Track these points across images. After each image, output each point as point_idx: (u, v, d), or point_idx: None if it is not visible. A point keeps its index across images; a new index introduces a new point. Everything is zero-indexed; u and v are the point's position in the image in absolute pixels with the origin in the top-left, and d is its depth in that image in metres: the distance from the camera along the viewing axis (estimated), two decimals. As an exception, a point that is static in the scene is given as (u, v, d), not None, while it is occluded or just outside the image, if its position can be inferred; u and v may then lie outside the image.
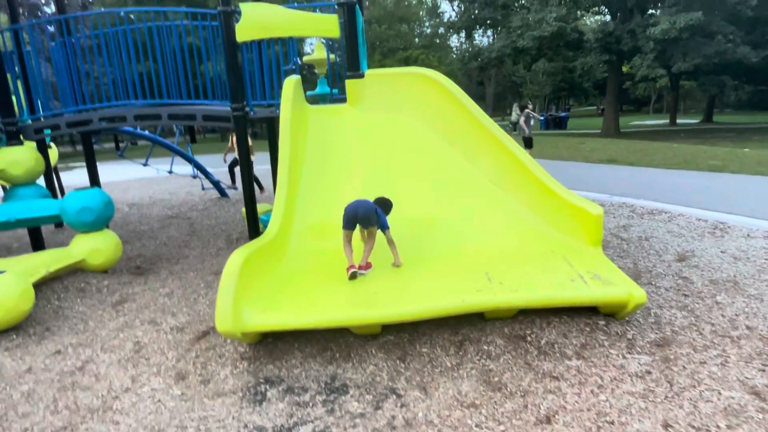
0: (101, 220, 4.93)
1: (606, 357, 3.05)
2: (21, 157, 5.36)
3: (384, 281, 3.64)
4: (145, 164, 8.99)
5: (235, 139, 8.50)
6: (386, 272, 3.80)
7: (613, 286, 3.22)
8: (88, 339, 3.86)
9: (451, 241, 4.17)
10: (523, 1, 28.40)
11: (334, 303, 3.38)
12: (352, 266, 3.68)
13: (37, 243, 5.72)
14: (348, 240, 3.82)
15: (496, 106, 77.72)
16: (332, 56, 6.59)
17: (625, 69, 27.08)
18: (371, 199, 3.96)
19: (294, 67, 5.41)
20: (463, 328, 3.49)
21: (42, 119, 5.88)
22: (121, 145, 14.19)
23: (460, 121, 4.76)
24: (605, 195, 7.55)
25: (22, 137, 5.63)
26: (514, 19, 25.03)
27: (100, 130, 7.45)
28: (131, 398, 3.08)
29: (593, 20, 23.11)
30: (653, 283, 4.22)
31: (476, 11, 28.90)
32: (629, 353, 3.09)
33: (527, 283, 3.37)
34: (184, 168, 10.62)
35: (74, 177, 15.58)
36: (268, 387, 3.11)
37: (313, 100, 7.22)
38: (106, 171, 9.81)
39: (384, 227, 3.87)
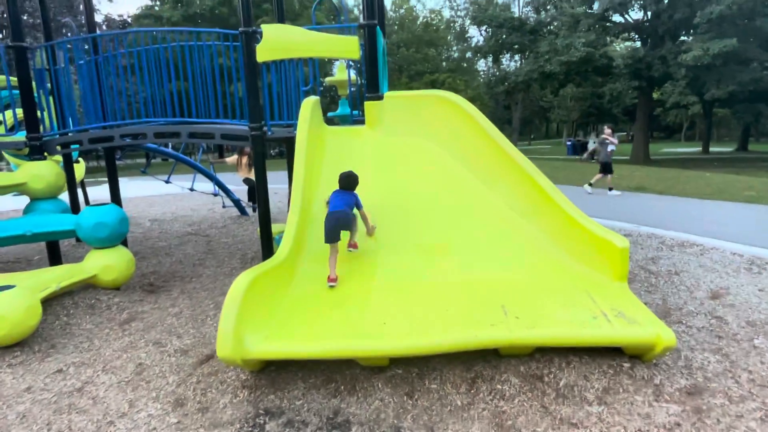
0: (115, 236, 4.92)
1: (630, 404, 2.81)
2: (43, 172, 5.43)
3: (393, 310, 3.47)
4: (167, 181, 9.07)
5: (243, 159, 8.55)
6: (396, 300, 3.63)
7: (640, 326, 2.99)
8: (91, 358, 3.78)
9: (466, 269, 3.99)
10: (551, 27, 28.36)
11: (340, 332, 3.22)
12: (333, 279, 3.86)
13: (55, 257, 5.74)
14: (334, 252, 3.91)
15: (523, 130, 77.38)
16: (354, 77, 6.55)
17: (655, 95, 26.62)
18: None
19: (311, 87, 5.36)
20: (476, 363, 3.28)
21: (68, 134, 5.97)
22: (155, 161, 14.43)
23: (479, 144, 4.61)
24: (632, 225, 7.24)
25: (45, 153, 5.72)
26: (542, 44, 24.95)
27: (123, 147, 7.57)
28: (126, 424, 2.97)
29: (623, 46, 22.74)
30: (684, 321, 3.95)
31: (504, 36, 28.93)
32: (656, 401, 2.83)
33: (545, 319, 3.16)
34: (207, 185, 10.70)
35: (102, 192, 15.92)
36: (267, 419, 2.96)
37: (335, 121, 7.21)
38: (135, 186, 10.00)
39: (359, 207, 4.17)
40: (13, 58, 5.46)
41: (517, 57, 39.04)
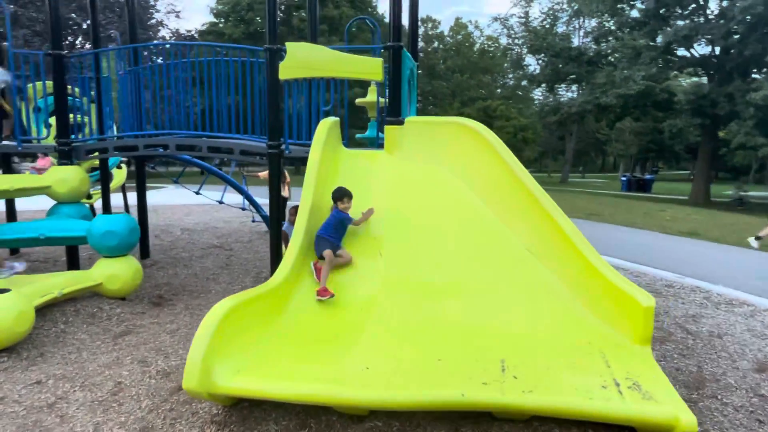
0: (124, 245, 4.89)
1: (636, 498, 2.38)
2: (68, 176, 5.52)
3: (382, 353, 3.18)
4: (197, 192, 9.17)
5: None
6: (388, 342, 3.34)
7: (656, 403, 2.56)
8: (73, 372, 3.68)
9: (470, 313, 3.64)
10: (611, 59, 27.47)
11: (319, 374, 2.96)
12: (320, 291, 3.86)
13: (73, 262, 5.80)
14: (327, 264, 3.96)
15: (577, 162, 75.06)
16: (383, 100, 6.37)
17: (721, 134, 25.10)
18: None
19: (332, 107, 5.22)
20: (465, 425, 2.93)
21: (96, 141, 6.09)
22: (189, 170, 14.77)
23: (499, 177, 4.29)
24: (676, 275, 6.60)
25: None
26: (599, 75, 24.12)
27: (153, 156, 7.69)
28: (84, 451, 2.81)
29: (688, 82, 21.57)
30: (719, 397, 3.42)
31: (560, 65, 28.26)
32: (669, 498, 2.39)
33: (547, 383, 2.78)
34: (237, 198, 10.74)
35: (132, 197, 16.48)
36: (227, 462, 2.72)
37: (364, 144, 7.04)
38: (177, 194, 10.19)
39: (347, 222, 4.23)
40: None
41: (574, 87, 38.12)
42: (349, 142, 6.27)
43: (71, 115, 6.39)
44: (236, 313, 3.17)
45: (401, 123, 4.90)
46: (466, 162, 4.55)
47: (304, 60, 4.93)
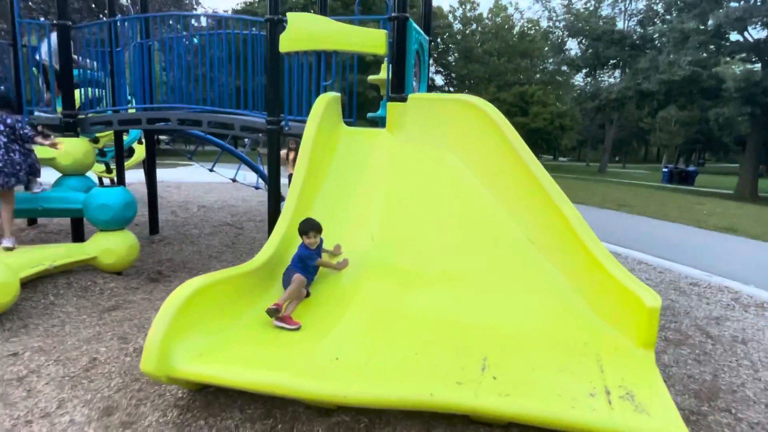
0: (118, 219, 4.82)
1: None
2: (71, 149, 5.48)
3: (356, 344, 2.97)
4: (211, 170, 9.12)
5: (291, 154, 8.31)
6: (366, 332, 3.12)
7: (647, 416, 2.25)
8: (51, 345, 3.63)
9: (459, 306, 3.38)
10: (656, 43, 26.02)
11: (284, 362, 2.77)
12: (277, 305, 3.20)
13: (78, 234, 5.80)
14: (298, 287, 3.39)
15: (618, 151, 72.32)
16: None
17: (774, 125, 23.48)
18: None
19: (332, 83, 4.96)
20: (437, 425, 2.70)
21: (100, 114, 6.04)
22: (210, 149, 14.80)
23: (504, 160, 3.96)
24: (704, 272, 6.10)
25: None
26: (642, 59, 22.88)
27: (172, 131, 7.62)
28: (41, 428, 2.73)
29: (739, 68, 20.11)
30: (733, 410, 3.07)
31: (601, 49, 26.98)
32: None
33: (529, 386, 2.50)
34: (252, 177, 10.63)
35: (165, 174, 16.72)
36: (183, 450, 2.58)
37: (375, 123, 6.77)
38: (202, 172, 10.20)
39: (311, 262, 3.58)
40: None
41: (617, 73, 36.46)
42: (359, 120, 6.03)
43: (89, 89, 6.40)
44: (206, 293, 3.01)
45: (404, 100, 4.61)
46: (470, 142, 4.23)
47: (305, 32, 4.69)
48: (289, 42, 4.73)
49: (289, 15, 4.70)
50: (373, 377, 2.59)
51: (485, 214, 3.93)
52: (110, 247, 4.80)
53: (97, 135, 8.75)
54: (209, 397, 2.99)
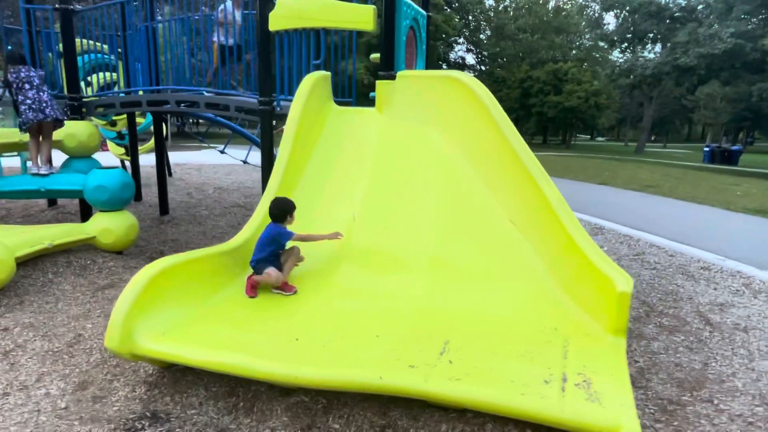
0: (115, 200, 4.93)
1: None
2: (77, 131, 5.63)
3: (318, 325, 2.96)
4: (222, 151, 9.22)
5: None
6: (331, 313, 3.11)
7: (599, 405, 2.15)
8: (42, 321, 3.76)
9: (431, 289, 3.31)
10: (698, 14, 24.61)
11: (244, 342, 2.79)
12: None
13: (86, 214, 5.97)
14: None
15: (660, 130, 69.32)
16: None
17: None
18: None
19: (322, 62, 4.88)
20: (394, 408, 2.66)
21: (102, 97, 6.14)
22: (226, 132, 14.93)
23: (489, 138, 3.82)
24: (718, 256, 5.79)
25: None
26: (680, 33, 21.70)
27: (182, 114, 7.70)
28: (19, 399, 2.84)
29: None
30: (715, 401, 2.91)
31: (637, 23, 25.72)
32: None
33: (483, 371, 2.44)
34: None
35: (185, 156, 17.02)
36: (146, 425, 2.64)
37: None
38: (226, 155, 10.39)
39: (285, 239, 3.46)
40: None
41: (657, 48, 34.73)
42: (359, 99, 5.95)
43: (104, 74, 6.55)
44: (175, 272, 3.06)
45: (393, 77, 4.49)
46: (457, 121, 4.10)
47: (293, 9, 4.61)
48: (278, 20, 4.67)
49: (279, -7, 4.63)
50: (327, 359, 2.58)
51: (468, 195, 3.81)
52: (109, 227, 4.92)
53: (114, 118, 8.98)
54: (177, 374, 3.04)
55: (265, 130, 5.03)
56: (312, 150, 4.36)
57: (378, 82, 4.55)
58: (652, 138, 60.71)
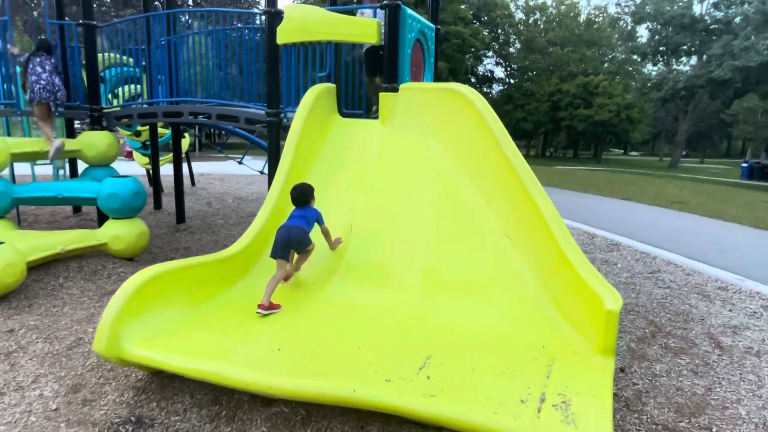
0: (127, 208, 5.06)
1: None
2: (96, 141, 5.83)
3: (302, 336, 2.96)
4: (240, 162, 9.38)
5: None
6: (313, 324, 3.10)
7: (573, 428, 2.07)
8: (47, 324, 3.88)
9: (421, 303, 3.28)
10: (733, 26, 23.88)
11: (229, 351, 2.81)
12: (262, 306, 3.22)
13: (103, 220, 6.16)
14: (279, 272, 3.39)
15: (697, 145, 67.19)
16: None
17: None
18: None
19: (327, 74, 4.93)
20: (372, 422, 2.64)
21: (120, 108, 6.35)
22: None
23: (487, 152, 3.78)
24: (737, 276, 5.54)
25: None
26: (714, 45, 21.11)
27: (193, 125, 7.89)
28: (12, 399, 2.93)
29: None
30: (714, 429, 2.77)
31: (670, 35, 25.14)
32: None
33: (460, 388, 2.38)
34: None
35: (210, 167, 17.39)
36: (130, 429, 2.69)
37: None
38: (250, 164, 10.60)
39: (320, 222, 3.61)
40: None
41: (693, 60, 33.77)
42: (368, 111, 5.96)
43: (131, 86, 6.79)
44: (166, 279, 3.12)
45: (396, 90, 4.51)
46: (457, 133, 4.07)
47: (300, 23, 4.70)
48: (285, 33, 4.76)
49: (286, 7, 4.73)
50: (305, 369, 2.57)
51: (465, 207, 3.77)
52: (120, 233, 5.05)
53: (139, 129, 9.28)
54: (165, 380, 3.08)
55: (272, 141, 5.11)
56: (314, 161, 4.40)
57: (381, 95, 4.57)
58: (684, 153, 58.87)
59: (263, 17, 4.87)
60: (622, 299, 2.62)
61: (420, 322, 3.11)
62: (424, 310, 3.23)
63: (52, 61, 5.59)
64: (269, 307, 3.24)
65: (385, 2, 4.42)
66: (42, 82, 5.38)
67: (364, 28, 4.48)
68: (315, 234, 3.63)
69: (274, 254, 3.42)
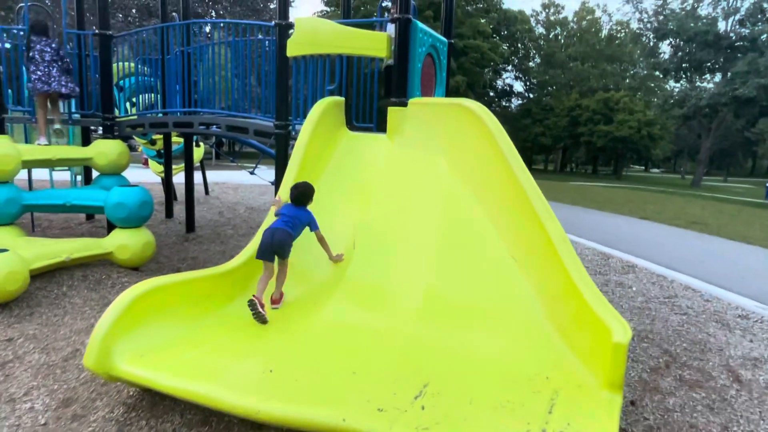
0: (133, 217, 5.05)
1: None
2: (107, 150, 5.86)
3: (296, 358, 2.86)
4: (252, 172, 9.40)
5: None
6: (308, 346, 3.00)
7: (574, 473, 1.93)
8: (46, 333, 3.85)
9: (422, 327, 3.17)
10: (759, 43, 23.40)
11: (220, 371, 2.73)
12: (257, 298, 3.21)
13: (112, 228, 6.18)
14: (268, 273, 3.40)
15: (721, 164, 65.89)
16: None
17: None
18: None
19: (336, 87, 4.88)
20: (365, 452, 2.50)
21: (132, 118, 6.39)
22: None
23: (495, 171, 3.67)
24: (760, 305, 5.29)
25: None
26: (739, 63, 20.70)
27: (202, 134, 7.91)
28: (1, 413, 2.88)
29: None
30: (730, 473, 2.58)
31: (694, 52, 24.75)
32: None
33: (455, 421, 2.26)
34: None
35: (225, 176, 17.52)
36: (116, 450, 2.61)
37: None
38: (264, 175, 10.62)
39: (313, 228, 3.57)
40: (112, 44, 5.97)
41: (717, 77, 33.14)
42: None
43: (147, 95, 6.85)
44: (160, 294, 3.07)
45: (404, 105, 4.43)
46: (465, 150, 3.97)
47: (310, 35, 4.67)
48: (295, 46, 4.74)
49: (296, 19, 4.71)
50: (295, 394, 2.47)
51: (470, 228, 3.66)
52: (125, 243, 5.04)
53: (154, 137, 9.36)
54: (156, 398, 3.00)
55: (279, 153, 5.07)
56: (319, 175, 4.33)
57: (389, 109, 4.50)
58: (705, 171, 57.85)
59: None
60: (631, 331, 2.47)
61: (419, 347, 2.99)
62: (424, 335, 3.11)
63: (53, 46, 5.59)
64: (273, 302, 3.41)
65: (395, 16, 4.37)
66: (38, 72, 5.47)
67: (374, 42, 4.43)
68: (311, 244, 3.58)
69: (260, 255, 3.39)
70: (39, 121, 5.67)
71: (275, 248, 3.34)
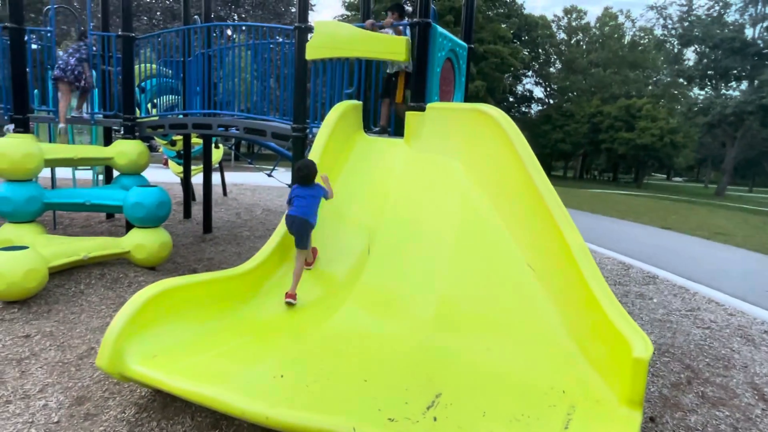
0: (151, 217, 5.10)
1: None
2: (127, 150, 5.94)
3: (307, 363, 2.83)
4: (269, 174, 9.44)
5: None
6: (320, 352, 2.97)
7: (590, 493, 1.86)
8: (62, 331, 3.89)
9: (437, 335, 3.12)
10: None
11: (230, 374, 2.72)
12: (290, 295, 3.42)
13: (130, 227, 6.25)
14: (299, 262, 3.56)
15: (746, 173, 64.35)
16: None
17: None
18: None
19: (354, 90, 4.87)
20: (374, 462, 2.46)
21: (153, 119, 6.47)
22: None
23: (513, 177, 3.61)
24: (784, 319, 5.11)
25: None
26: (767, 70, 20.20)
27: (221, 136, 7.96)
28: (17, 409, 2.92)
29: None
30: (755, 497, 2.47)
31: (719, 59, 24.25)
32: None
33: (468, 433, 2.20)
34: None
35: (245, 177, 17.63)
36: (126, 450, 2.61)
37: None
38: (282, 176, 10.69)
39: (326, 197, 3.69)
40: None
41: (744, 85, 32.45)
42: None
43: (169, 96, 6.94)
44: (175, 295, 3.06)
45: (422, 109, 4.40)
46: (483, 156, 3.92)
47: (329, 39, 4.66)
48: (314, 49, 4.74)
49: (316, 23, 4.71)
50: (305, 401, 2.44)
51: (487, 235, 3.59)
52: (143, 242, 5.09)
53: (174, 138, 9.48)
54: (167, 399, 3.00)
55: (296, 156, 5.06)
56: (336, 179, 4.30)
57: (407, 114, 4.47)
58: (730, 180, 56.49)
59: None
60: (652, 346, 2.38)
61: (432, 357, 2.94)
62: (438, 344, 3.06)
63: (81, 45, 6.09)
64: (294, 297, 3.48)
65: (415, 20, 4.34)
66: (60, 62, 5.96)
67: (393, 46, 4.41)
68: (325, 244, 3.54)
69: (296, 243, 3.61)
70: (60, 108, 5.98)
71: (294, 235, 3.50)
